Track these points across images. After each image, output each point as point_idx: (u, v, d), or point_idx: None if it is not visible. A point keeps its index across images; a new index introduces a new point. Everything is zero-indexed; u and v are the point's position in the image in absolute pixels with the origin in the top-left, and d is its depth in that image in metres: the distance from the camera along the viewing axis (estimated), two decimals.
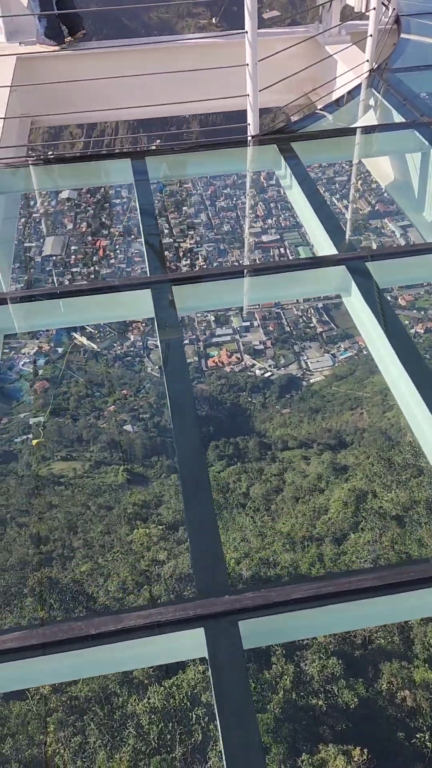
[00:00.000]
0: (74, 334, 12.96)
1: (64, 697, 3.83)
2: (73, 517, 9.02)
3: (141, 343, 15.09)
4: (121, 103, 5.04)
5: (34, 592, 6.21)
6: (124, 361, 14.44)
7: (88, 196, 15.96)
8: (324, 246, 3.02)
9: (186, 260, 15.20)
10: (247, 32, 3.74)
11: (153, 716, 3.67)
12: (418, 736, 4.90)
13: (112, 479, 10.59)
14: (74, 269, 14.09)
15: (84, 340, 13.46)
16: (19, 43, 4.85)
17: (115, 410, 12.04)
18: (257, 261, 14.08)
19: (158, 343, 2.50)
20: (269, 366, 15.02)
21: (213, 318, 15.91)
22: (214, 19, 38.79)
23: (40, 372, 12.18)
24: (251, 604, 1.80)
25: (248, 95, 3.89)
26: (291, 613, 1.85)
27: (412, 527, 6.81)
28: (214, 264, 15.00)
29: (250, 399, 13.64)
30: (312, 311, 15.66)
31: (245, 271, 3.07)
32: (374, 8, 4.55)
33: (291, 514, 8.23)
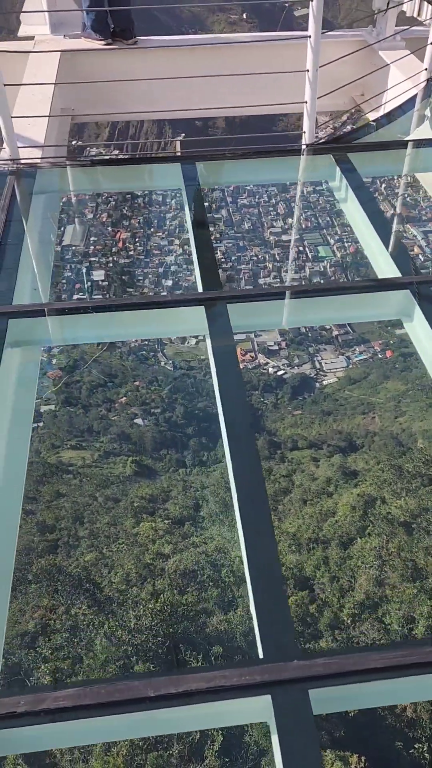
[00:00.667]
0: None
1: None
2: (80, 507, 9.03)
3: (156, 337, 15.10)
4: (167, 103, 4.89)
5: (38, 578, 6.21)
6: (138, 354, 14.46)
7: (135, 199, 15.84)
8: (384, 266, 2.85)
9: (236, 273, 15.01)
10: (310, 36, 3.51)
11: None
12: (416, 746, 4.86)
13: (120, 470, 10.59)
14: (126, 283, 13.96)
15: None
16: (64, 35, 4.75)
17: (126, 402, 12.04)
18: (319, 281, 13.83)
19: (210, 361, 2.35)
20: (282, 365, 14.97)
21: None
22: (244, 15, 38.60)
23: (54, 361, 12.21)
24: (323, 672, 1.69)
25: (306, 102, 3.71)
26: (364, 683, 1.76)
27: (420, 535, 6.74)
28: (267, 279, 14.66)
29: (262, 399, 13.61)
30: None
31: (302, 291, 2.89)
32: None
33: (298, 515, 8.18)
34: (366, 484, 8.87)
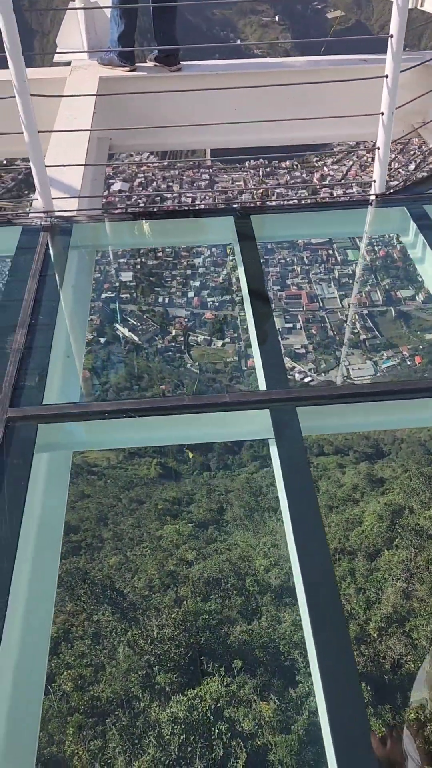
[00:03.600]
0: (117, 325, 13.00)
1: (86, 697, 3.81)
2: (105, 508, 9.04)
3: (182, 339, 15.09)
4: (211, 133, 4.64)
5: (62, 581, 6.21)
6: (164, 355, 14.47)
7: (179, 257, 15.58)
8: None
9: (298, 358, 14.35)
10: (387, 76, 3.11)
11: (175, 726, 3.61)
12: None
13: (144, 472, 10.59)
14: (167, 352, 13.80)
15: (126, 331, 13.49)
16: (98, 60, 4.60)
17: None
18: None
19: (275, 465, 2.13)
20: (309, 370, 14.84)
21: None
22: (276, 17, 38.48)
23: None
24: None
25: (378, 148, 3.32)
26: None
27: None
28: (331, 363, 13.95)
29: None
30: (357, 317, 15.38)
31: (388, 390, 2.33)
32: None
33: (324, 522, 8.06)
34: (393, 493, 8.71)
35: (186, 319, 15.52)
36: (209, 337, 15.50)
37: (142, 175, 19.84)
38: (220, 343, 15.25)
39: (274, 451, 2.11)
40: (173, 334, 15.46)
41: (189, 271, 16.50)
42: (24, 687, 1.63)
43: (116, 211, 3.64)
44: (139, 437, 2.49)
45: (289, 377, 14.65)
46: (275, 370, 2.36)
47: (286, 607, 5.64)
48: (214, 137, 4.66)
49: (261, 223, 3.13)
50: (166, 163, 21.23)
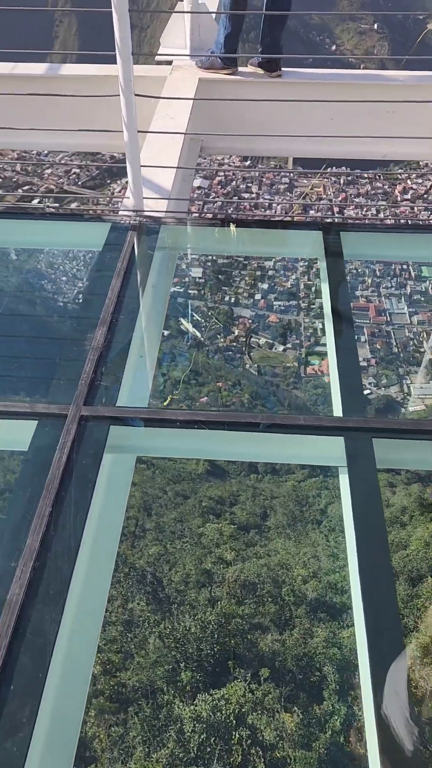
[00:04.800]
0: (181, 319, 13.11)
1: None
2: (150, 498, 9.13)
3: (244, 339, 15.09)
4: (302, 140, 4.54)
5: None
6: (225, 354, 14.52)
7: (263, 269, 15.55)
8: None
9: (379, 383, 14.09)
10: None
11: (197, 725, 3.62)
12: None
13: (192, 468, 10.64)
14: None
15: (189, 326, 13.59)
16: (197, 63, 4.59)
17: (207, 402, 12.09)
18: None
19: (345, 500, 2.02)
20: (369, 384, 14.58)
21: (320, 325, 15.66)
22: (375, 25, 37.91)
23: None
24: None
25: None
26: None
27: None
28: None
29: None
30: (424, 335, 15.00)
31: None
32: None
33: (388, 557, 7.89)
34: None
35: (250, 321, 15.50)
36: (271, 341, 15.44)
37: (222, 174, 19.91)
38: (281, 347, 15.17)
39: (344, 480, 2.00)
40: (236, 334, 15.45)
41: (258, 273, 16.47)
42: (71, 679, 1.65)
43: (206, 216, 3.58)
44: (206, 449, 2.43)
45: None
46: (353, 396, 2.27)
47: (320, 623, 5.56)
48: (305, 146, 4.54)
49: (350, 241, 3.01)
50: (248, 164, 21.23)
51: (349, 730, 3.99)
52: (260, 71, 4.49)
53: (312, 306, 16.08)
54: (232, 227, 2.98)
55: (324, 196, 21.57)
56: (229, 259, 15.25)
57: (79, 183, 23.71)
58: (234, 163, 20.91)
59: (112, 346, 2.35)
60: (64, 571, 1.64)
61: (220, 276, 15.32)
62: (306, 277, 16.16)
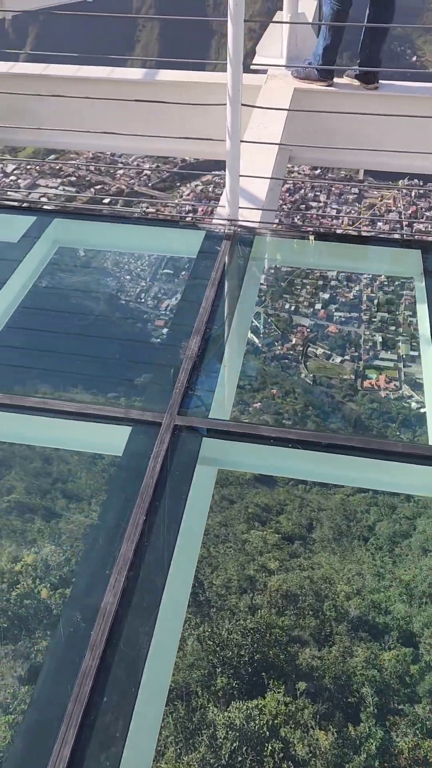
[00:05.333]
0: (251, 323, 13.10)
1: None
2: None
3: (302, 348, 14.98)
4: (399, 159, 4.44)
5: None
6: (281, 362, 14.45)
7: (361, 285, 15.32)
8: None
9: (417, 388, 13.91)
10: None
11: (230, 732, 3.59)
12: None
13: (241, 472, 10.62)
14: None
15: (248, 332, 13.61)
16: (292, 72, 4.57)
17: (259, 408, 12.06)
18: None
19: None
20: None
21: (380, 339, 15.37)
22: None
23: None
24: None
25: None
26: None
27: None
28: None
29: (398, 433, 13.03)
30: None
31: None
32: None
33: (416, 564, 7.69)
34: None
35: (308, 330, 15.38)
36: (329, 351, 15.25)
37: (291, 181, 19.84)
38: (339, 359, 14.97)
39: None
40: (293, 342, 15.33)
41: (320, 282, 16.31)
42: (156, 688, 1.63)
43: (301, 227, 3.50)
44: (295, 468, 2.35)
45: (404, 405, 14.11)
46: None
47: (361, 642, 5.44)
48: (390, 159, 4.45)
49: None
50: (318, 172, 21.09)
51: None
52: (356, 83, 4.42)
53: (373, 319, 15.80)
54: (326, 247, 2.93)
55: (394, 208, 21.20)
56: (294, 268, 15.18)
57: (150, 185, 24.08)
58: (304, 170, 20.80)
59: (205, 355, 2.35)
60: (156, 582, 1.63)
61: (282, 283, 15.26)
62: (369, 289, 15.89)
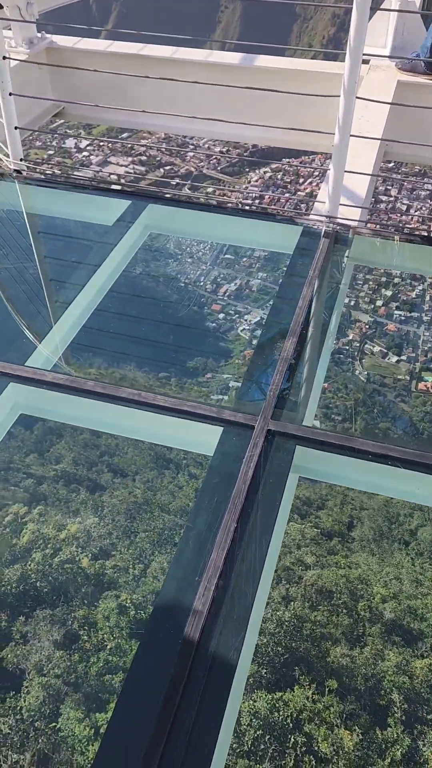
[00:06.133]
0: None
1: None
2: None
3: (358, 344, 14.71)
4: None
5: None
6: (335, 357, 14.23)
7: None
8: None
9: None
10: None
11: (254, 720, 3.61)
12: None
13: None
14: None
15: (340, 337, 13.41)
16: (396, 64, 4.41)
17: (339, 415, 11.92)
18: None
19: None
20: None
21: None
22: None
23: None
24: None
25: None
26: None
27: None
28: None
29: None
30: None
31: None
32: None
33: None
34: None
35: (367, 326, 15.09)
36: (385, 350, 14.96)
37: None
38: (395, 358, 14.66)
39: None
40: (350, 337, 15.09)
41: (384, 279, 15.95)
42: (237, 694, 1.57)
43: (404, 229, 3.35)
44: (388, 487, 2.34)
45: None
46: None
47: (394, 646, 5.36)
48: None
49: None
50: (391, 165, 20.57)
51: None
52: None
53: None
54: (425, 251, 2.79)
55: None
56: (393, 272, 14.90)
57: (218, 168, 24.02)
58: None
59: (301, 358, 2.26)
60: (247, 593, 1.60)
61: (382, 289, 15.02)
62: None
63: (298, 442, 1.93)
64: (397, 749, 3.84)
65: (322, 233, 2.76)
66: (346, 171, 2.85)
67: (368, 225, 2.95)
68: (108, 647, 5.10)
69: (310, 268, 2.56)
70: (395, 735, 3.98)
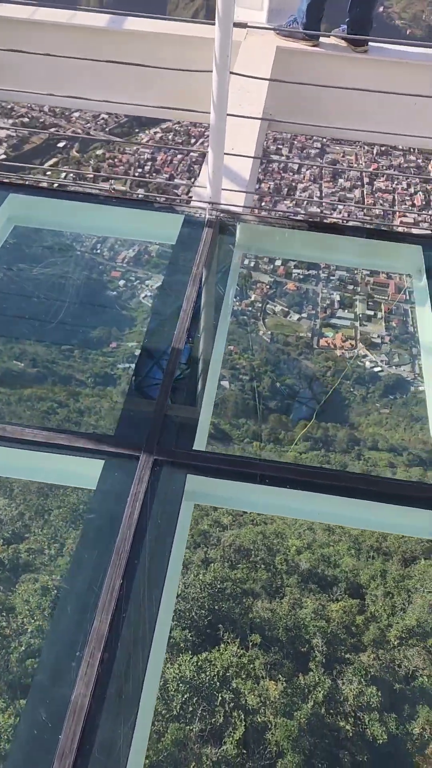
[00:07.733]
0: None
1: None
2: None
3: (260, 305, 14.91)
4: (390, 126, 4.11)
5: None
6: (239, 318, 14.36)
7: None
8: None
9: (373, 348, 13.76)
10: None
11: (181, 685, 3.66)
12: None
13: None
14: None
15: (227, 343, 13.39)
16: (274, 29, 4.14)
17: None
18: None
19: None
20: (381, 361, 14.44)
21: (338, 297, 15.42)
22: None
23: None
24: None
25: None
26: None
27: None
28: None
29: (352, 389, 13.22)
30: None
31: None
32: None
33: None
34: None
35: (268, 286, 15.29)
36: (287, 309, 15.25)
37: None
38: (296, 316, 15.00)
39: None
40: (252, 298, 15.25)
41: (271, 266, 16.15)
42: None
43: (292, 216, 3.09)
44: (292, 508, 2.07)
45: (358, 364, 14.29)
46: None
47: (311, 593, 5.60)
48: (390, 128, 4.14)
49: None
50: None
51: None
52: (344, 44, 4.09)
53: (331, 278, 15.84)
54: (313, 237, 2.61)
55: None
56: (283, 260, 14.96)
57: (107, 129, 23.21)
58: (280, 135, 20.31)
59: (189, 371, 1.96)
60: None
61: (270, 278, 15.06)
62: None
63: (188, 471, 1.68)
64: (319, 691, 4.05)
65: (205, 222, 2.51)
66: (226, 153, 2.60)
67: (256, 211, 2.75)
68: (29, 630, 5.01)
69: (193, 264, 2.26)
70: (316, 678, 4.19)
